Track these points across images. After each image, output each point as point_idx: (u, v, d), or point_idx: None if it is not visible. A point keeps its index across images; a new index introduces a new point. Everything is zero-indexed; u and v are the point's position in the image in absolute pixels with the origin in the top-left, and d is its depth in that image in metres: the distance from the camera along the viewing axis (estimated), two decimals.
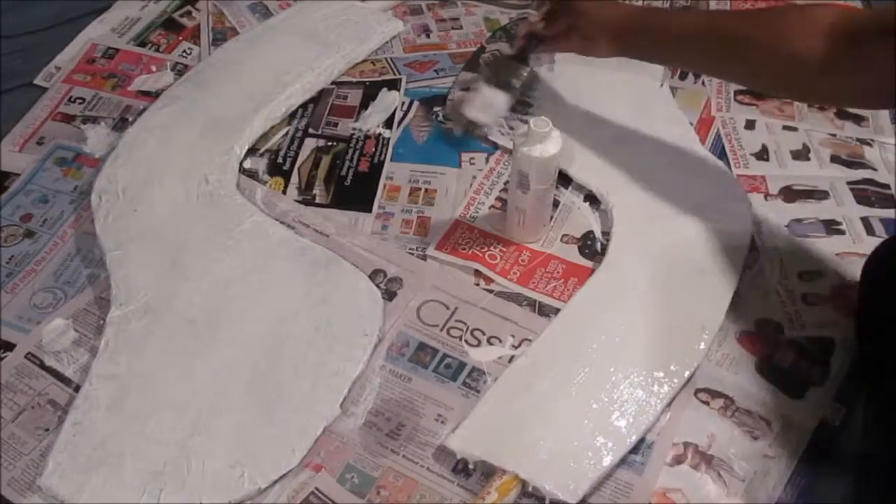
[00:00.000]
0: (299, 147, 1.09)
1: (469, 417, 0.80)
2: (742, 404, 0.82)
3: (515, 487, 0.75)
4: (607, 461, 0.77)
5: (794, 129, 1.10)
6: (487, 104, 1.05)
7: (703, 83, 1.16)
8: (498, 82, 1.05)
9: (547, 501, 0.75)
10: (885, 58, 0.70)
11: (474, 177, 1.04)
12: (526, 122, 0.86)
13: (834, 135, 1.09)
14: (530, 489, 0.76)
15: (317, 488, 0.77)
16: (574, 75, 1.13)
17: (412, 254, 0.96)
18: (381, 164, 1.07)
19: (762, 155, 1.06)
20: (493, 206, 1.01)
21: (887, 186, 1.02)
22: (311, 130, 1.11)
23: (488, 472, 0.77)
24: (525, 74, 1.06)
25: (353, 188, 1.04)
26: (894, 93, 0.72)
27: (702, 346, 0.85)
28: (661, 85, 1.13)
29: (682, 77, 1.17)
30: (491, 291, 0.92)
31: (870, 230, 0.97)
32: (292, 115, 1.13)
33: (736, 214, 0.97)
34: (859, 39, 0.73)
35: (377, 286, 0.91)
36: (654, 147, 1.05)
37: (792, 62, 0.78)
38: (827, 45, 0.75)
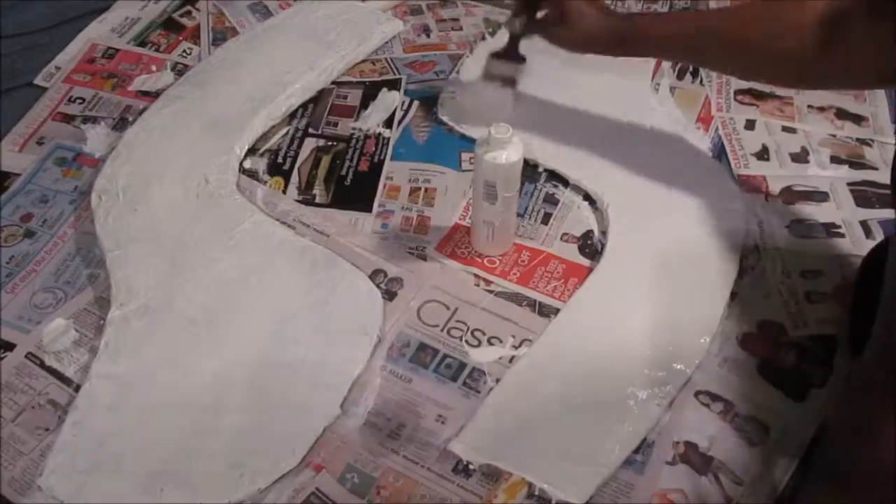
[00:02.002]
0: (299, 147, 1.09)
1: (472, 421, 0.80)
2: (742, 407, 0.82)
3: (522, 490, 0.75)
4: (613, 461, 0.77)
5: (794, 129, 1.10)
6: (488, 103, 1.06)
7: (701, 83, 1.16)
8: (497, 79, 1.06)
9: (553, 503, 0.75)
10: (868, 37, 0.72)
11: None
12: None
13: (834, 135, 1.09)
14: (537, 491, 0.76)
15: (317, 488, 0.77)
16: (569, 75, 1.13)
17: (412, 254, 0.96)
18: (381, 163, 1.07)
19: (762, 155, 1.06)
20: None
21: (887, 187, 1.02)
22: (311, 130, 1.11)
23: (489, 472, 0.77)
24: (521, 63, 1.06)
25: (353, 188, 1.04)
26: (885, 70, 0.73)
27: (702, 343, 0.85)
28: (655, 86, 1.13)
29: (681, 76, 1.17)
30: (491, 292, 0.92)
31: (868, 234, 0.97)
32: (292, 115, 1.13)
33: (731, 212, 0.97)
34: (845, 24, 0.74)
35: (377, 286, 0.91)
36: (650, 146, 1.05)
37: (786, 59, 0.80)
38: (818, 37, 0.76)
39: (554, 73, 1.14)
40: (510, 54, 1.05)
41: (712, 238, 0.94)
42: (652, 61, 1.17)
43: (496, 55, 1.06)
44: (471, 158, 1.07)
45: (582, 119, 1.08)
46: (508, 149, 0.84)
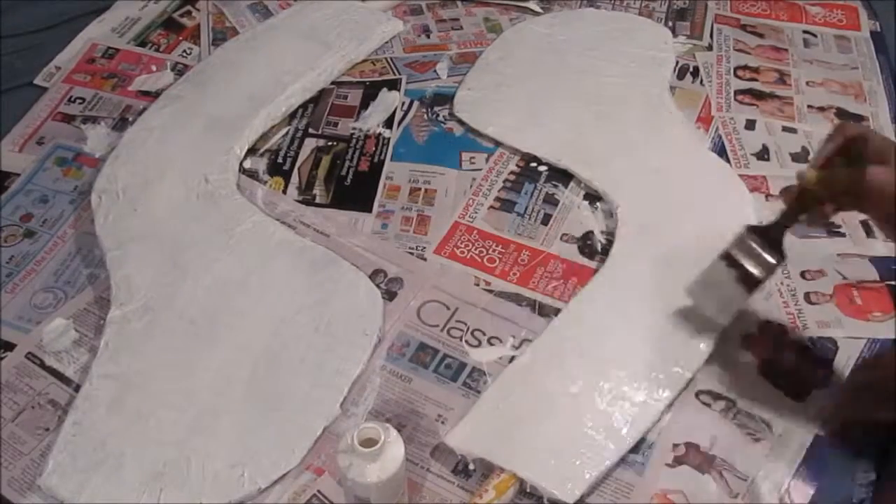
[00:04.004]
0: (299, 147, 1.09)
1: (468, 415, 0.80)
2: (744, 407, 0.82)
3: (513, 486, 0.75)
4: (606, 462, 0.77)
5: (794, 130, 1.10)
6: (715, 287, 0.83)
7: (701, 83, 1.16)
8: (737, 269, 0.81)
9: (545, 500, 0.75)
10: None
11: (474, 178, 1.04)
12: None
13: None
14: (528, 488, 0.76)
15: (319, 491, 0.77)
16: (580, 74, 1.14)
17: (412, 254, 0.96)
18: (381, 163, 1.07)
19: (763, 155, 1.06)
20: (491, 207, 1.01)
21: None
22: (311, 130, 1.11)
23: (488, 473, 0.77)
24: (774, 264, 0.80)
25: (353, 188, 1.04)
26: None
27: (703, 347, 0.85)
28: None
29: (681, 76, 1.17)
30: (491, 292, 0.92)
31: (869, 232, 0.97)
32: (292, 115, 1.13)
33: (740, 215, 0.97)
34: None
35: (377, 286, 0.91)
36: (660, 148, 1.05)
37: None
38: None
39: (565, 71, 1.14)
40: (774, 237, 0.80)
41: (721, 241, 0.93)
42: (670, 64, 1.17)
43: (754, 232, 0.81)
44: (471, 159, 1.07)
45: (593, 118, 1.08)
46: (384, 455, 0.67)
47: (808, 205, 0.77)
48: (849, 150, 0.74)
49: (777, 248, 0.80)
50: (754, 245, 0.80)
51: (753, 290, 0.81)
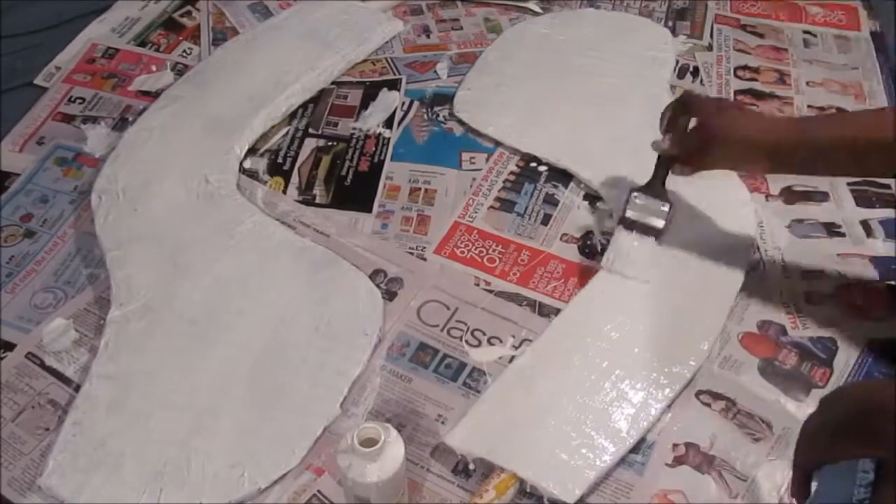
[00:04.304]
0: (299, 147, 1.09)
1: (468, 415, 0.80)
2: (744, 406, 0.82)
3: (513, 486, 0.75)
4: (606, 461, 0.77)
5: None
6: (626, 253, 0.91)
7: (701, 82, 1.16)
8: (638, 227, 0.91)
9: (545, 500, 0.75)
10: None
11: (474, 178, 1.04)
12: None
13: None
14: (528, 488, 0.76)
15: (319, 491, 0.77)
16: (582, 74, 1.13)
17: (412, 254, 0.96)
18: (381, 163, 1.07)
19: None
20: (491, 207, 1.01)
21: (888, 186, 1.02)
22: (311, 130, 1.11)
23: (488, 473, 0.77)
24: (667, 210, 0.91)
25: (353, 188, 1.04)
26: None
27: (703, 347, 0.85)
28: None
29: (681, 76, 1.17)
30: (491, 292, 0.92)
31: (869, 233, 0.97)
32: (292, 115, 1.13)
33: (740, 216, 0.97)
34: None
35: (377, 286, 0.91)
36: None
37: None
38: None
39: (565, 71, 1.14)
40: (655, 189, 0.91)
41: (720, 244, 0.93)
42: (670, 64, 1.17)
43: (638, 191, 0.91)
44: (471, 159, 1.07)
45: (593, 118, 1.08)
46: (384, 454, 0.67)
47: (670, 164, 0.90)
48: (687, 112, 0.87)
49: (663, 198, 0.91)
50: (644, 202, 0.91)
51: (659, 237, 0.91)
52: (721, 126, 0.83)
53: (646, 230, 0.91)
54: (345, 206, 1.02)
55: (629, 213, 0.91)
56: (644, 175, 0.92)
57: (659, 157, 0.91)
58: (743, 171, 0.96)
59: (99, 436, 0.79)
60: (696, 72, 1.18)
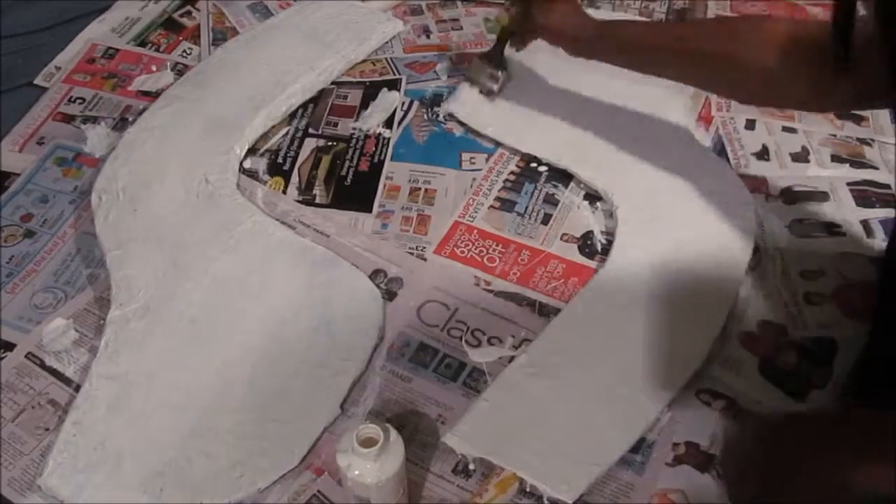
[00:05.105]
0: (299, 147, 1.09)
1: (468, 415, 0.80)
2: (744, 406, 0.82)
3: (513, 485, 0.75)
4: (605, 461, 0.77)
5: (794, 129, 1.10)
6: (463, 102, 1.10)
7: None
8: (478, 85, 1.10)
9: (544, 500, 0.75)
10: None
11: (474, 178, 1.04)
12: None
13: (834, 135, 1.09)
14: (528, 488, 0.76)
15: (319, 491, 0.77)
16: (579, 72, 1.13)
17: (412, 254, 0.96)
18: (381, 163, 1.07)
19: (763, 155, 1.06)
20: (491, 206, 1.01)
21: (888, 186, 1.02)
22: (311, 130, 1.11)
23: (488, 472, 0.77)
24: (500, 77, 1.08)
25: (353, 188, 1.04)
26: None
27: (704, 347, 0.85)
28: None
29: None
30: (491, 292, 0.92)
31: (869, 233, 0.97)
32: (292, 115, 1.13)
33: (740, 216, 0.97)
34: (810, 52, 0.75)
35: (377, 286, 0.91)
36: (660, 148, 1.04)
37: (745, 75, 0.82)
38: (779, 59, 0.78)
39: (564, 69, 1.13)
40: (494, 57, 1.06)
41: (721, 244, 0.93)
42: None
43: (482, 57, 1.08)
44: (471, 159, 1.07)
45: (592, 118, 1.08)
46: (383, 456, 0.67)
47: (508, 37, 1.06)
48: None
49: (501, 66, 1.08)
50: (485, 66, 1.09)
51: (493, 98, 1.09)
52: (541, 15, 0.98)
53: (483, 90, 1.09)
54: (345, 206, 1.02)
55: (471, 73, 1.11)
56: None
57: (501, 29, 1.07)
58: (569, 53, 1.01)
59: (99, 436, 0.79)
60: None
